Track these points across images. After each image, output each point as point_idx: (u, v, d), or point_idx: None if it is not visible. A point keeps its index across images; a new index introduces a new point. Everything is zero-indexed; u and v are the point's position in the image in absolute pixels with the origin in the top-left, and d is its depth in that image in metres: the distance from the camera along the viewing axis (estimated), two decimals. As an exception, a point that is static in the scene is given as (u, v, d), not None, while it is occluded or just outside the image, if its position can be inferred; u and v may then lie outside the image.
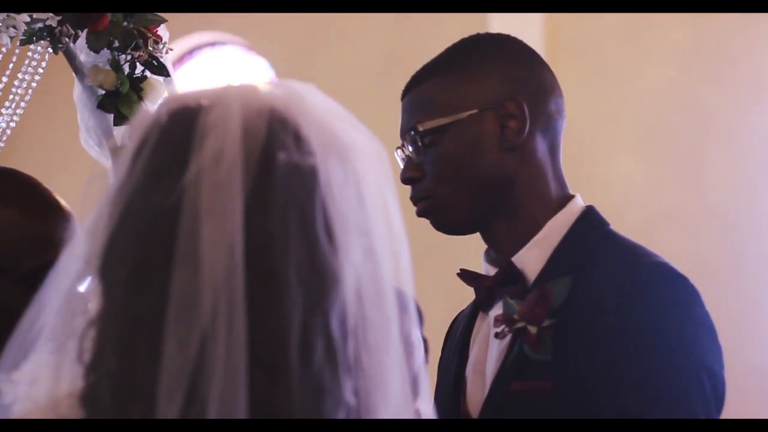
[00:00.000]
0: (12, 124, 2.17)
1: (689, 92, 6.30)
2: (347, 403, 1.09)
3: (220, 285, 1.04)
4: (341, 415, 1.09)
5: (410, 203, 1.89)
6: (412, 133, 1.87)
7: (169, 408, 1.03)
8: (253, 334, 1.05)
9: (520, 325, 1.77)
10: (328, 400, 1.08)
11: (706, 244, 6.16)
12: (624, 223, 5.70)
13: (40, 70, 2.25)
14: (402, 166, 1.91)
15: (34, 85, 2.24)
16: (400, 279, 1.18)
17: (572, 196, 1.89)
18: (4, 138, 2.20)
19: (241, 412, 1.03)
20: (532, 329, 1.75)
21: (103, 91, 2.35)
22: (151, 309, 1.06)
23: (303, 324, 1.07)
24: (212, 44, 7.64)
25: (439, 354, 2.02)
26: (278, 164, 1.09)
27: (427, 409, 1.26)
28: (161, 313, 1.05)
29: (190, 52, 7.67)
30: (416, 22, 6.27)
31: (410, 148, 1.88)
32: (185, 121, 1.11)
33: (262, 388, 1.05)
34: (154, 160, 1.11)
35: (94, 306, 1.12)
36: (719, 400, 1.74)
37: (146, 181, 1.10)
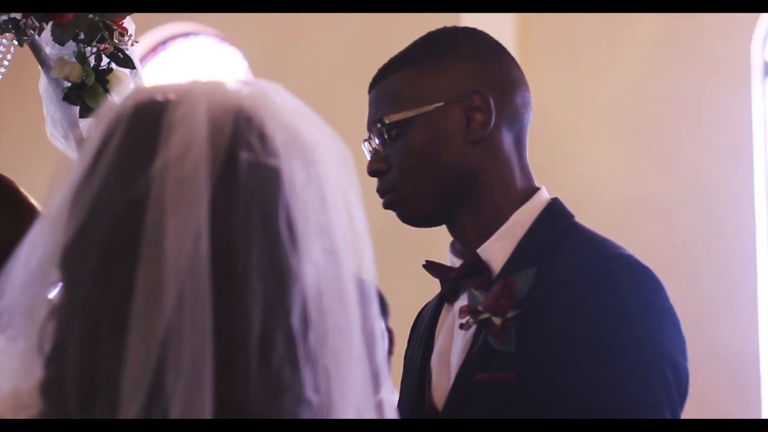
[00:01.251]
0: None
1: (663, 81, 6.32)
2: (308, 400, 1.09)
3: (184, 278, 1.04)
4: (303, 412, 1.09)
5: (378, 197, 1.90)
6: (379, 125, 1.88)
7: (132, 401, 1.03)
8: (216, 329, 1.05)
9: (485, 316, 1.77)
10: (287, 397, 1.08)
11: (681, 232, 6.18)
12: (600, 211, 5.76)
13: (5, 63, 2.23)
14: (368, 159, 1.91)
15: (-1, 77, 2.22)
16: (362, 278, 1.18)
17: (538, 189, 1.91)
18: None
19: (207, 407, 1.03)
20: (497, 320, 1.76)
21: (69, 84, 2.34)
22: (116, 301, 1.05)
23: (263, 321, 1.07)
24: (185, 35, 7.63)
25: (405, 346, 2.02)
26: (243, 162, 1.09)
27: (389, 398, 1.26)
28: (125, 305, 1.05)
29: (163, 43, 7.65)
30: (389, 17, 6.26)
31: (376, 141, 1.89)
32: (152, 116, 1.11)
33: (220, 384, 1.05)
34: (121, 154, 1.10)
35: (55, 296, 1.11)
36: (682, 391, 1.75)
37: (112, 175, 1.10)
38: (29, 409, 1.10)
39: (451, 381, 1.83)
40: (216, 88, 1.14)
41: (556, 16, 6.35)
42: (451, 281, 1.88)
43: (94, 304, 1.07)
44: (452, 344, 1.86)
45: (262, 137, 1.11)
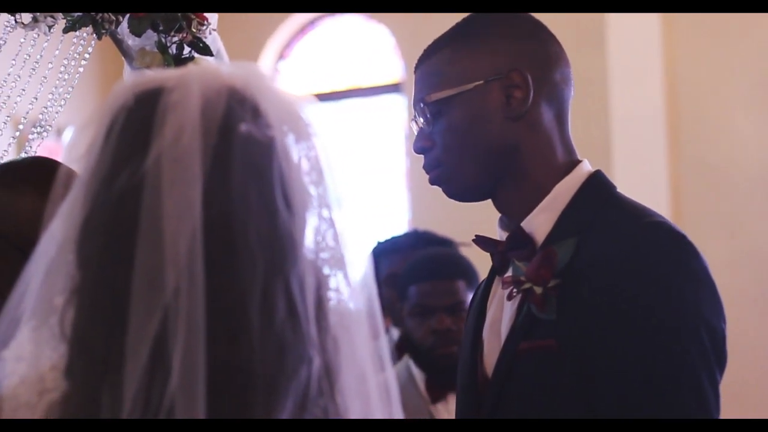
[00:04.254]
0: (60, 110, 2.25)
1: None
2: (310, 358, 1.16)
3: (181, 253, 1.11)
4: (303, 369, 1.16)
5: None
6: (422, 104, 1.95)
7: (134, 367, 1.10)
8: (215, 297, 1.12)
9: (527, 286, 1.84)
10: (290, 355, 1.15)
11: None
12: (740, 178, 5.63)
13: (86, 56, 2.32)
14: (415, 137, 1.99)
15: (80, 70, 2.32)
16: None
17: (579, 161, 1.96)
18: (52, 122, 2.29)
19: (201, 369, 1.10)
20: (538, 290, 1.82)
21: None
22: (121, 281, 1.13)
23: (264, 285, 1.14)
24: (332, 14, 7.72)
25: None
26: (236, 136, 1.16)
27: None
28: (129, 284, 1.12)
29: (312, 23, 7.76)
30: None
31: (421, 120, 1.96)
32: (148, 103, 1.18)
33: (223, 346, 1.11)
34: (121, 141, 1.18)
35: (71, 283, 1.18)
36: (720, 354, 1.78)
37: (114, 162, 1.17)
38: (53, 392, 1.18)
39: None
40: (209, 72, 1.21)
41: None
42: (499, 254, 1.94)
43: (102, 285, 1.15)
44: (502, 314, 1.93)
45: (255, 113, 1.18)
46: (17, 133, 2.38)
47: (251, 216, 1.14)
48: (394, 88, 7.52)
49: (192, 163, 1.13)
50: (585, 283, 1.79)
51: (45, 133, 2.29)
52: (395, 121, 7.43)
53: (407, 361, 3.47)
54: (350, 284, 1.22)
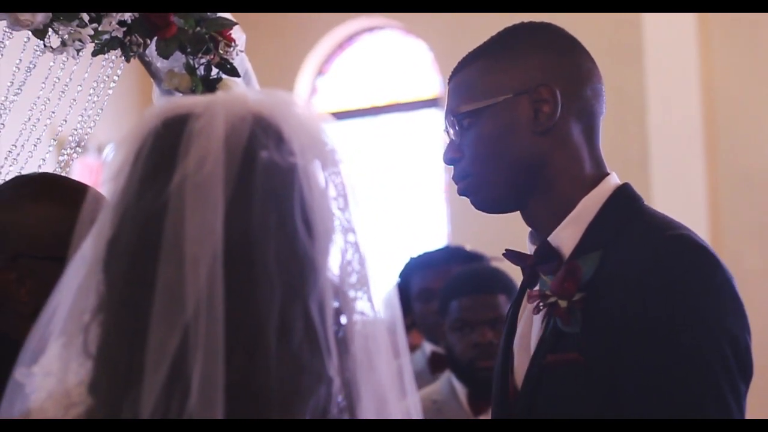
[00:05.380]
0: (89, 130, 2.30)
1: None
2: (330, 378, 1.19)
3: (201, 275, 1.14)
4: (322, 389, 1.18)
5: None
6: (452, 116, 1.98)
7: (153, 383, 1.13)
8: (233, 318, 1.14)
9: (552, 299, 1.86)
10: (307, 375, 1.17)
11: None
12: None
13: (116, 78, 2.37)
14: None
15: (110, 92, 2.36)
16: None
17: (607, 174, 1.96)
18: (82, 144, 2.33)
19: (219, 387, 1.13)
20: (563, 303, 1.84)
21: (180, 94, 2.47)
22: (143, 300, 1.16)
23: (282, 307, 1.16)
24: (370, 29, 7.76)
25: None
26: (258, 163, 1.18)
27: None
28: (151, 303, 1.15)
29: (350, 39, 7.80)
30: (573, 17, 6.21)
31: (451, 131, 1.99)
32: (175, 129, 1.21)
33: (240, 367, 1.14)
34: (148, 165, 1.21)
35: (98, 299, 1.22)
36: (744, 366, 1.78)
37: (140, 185, 1.21)
38: (78, 406, 1.22)
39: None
40: (236, 99, 1.24)
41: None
42: (528, 268, 1.96)
43: (127, 304, 1.18)
44: (531, 328, 1.95)
45: (279, 140, 1.20)
46: (49, 150, 2.42)
47: (270, 240, 1.17)
48: (432, 102, 7.55)
49: (214, 188, 1.16)
50: (608, 297, 1.80)
51: (75, 154, 2.34)
52: (433, 136, 7.46)
53: (449, 375, 3.49)
54: (375, 307, 1.24)
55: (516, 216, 2.01)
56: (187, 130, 1.19)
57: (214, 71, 2.52)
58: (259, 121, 1.21)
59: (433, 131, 7.48)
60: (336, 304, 1.21)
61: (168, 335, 1.13)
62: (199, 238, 1.15)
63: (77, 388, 1.22)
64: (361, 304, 1.23)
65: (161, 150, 1.20)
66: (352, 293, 1.23)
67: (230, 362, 1.13)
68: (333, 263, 1.21)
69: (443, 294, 3.51)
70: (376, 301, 1.24)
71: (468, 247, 4.14)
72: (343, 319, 1.22)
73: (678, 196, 6.16)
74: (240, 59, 2.54)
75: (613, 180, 1.96)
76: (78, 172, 5.37)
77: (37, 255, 1.81)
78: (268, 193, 1.18)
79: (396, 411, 1.25)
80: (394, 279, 4.10)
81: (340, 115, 7.78)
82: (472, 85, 1.98)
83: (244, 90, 2.19)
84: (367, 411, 1.22)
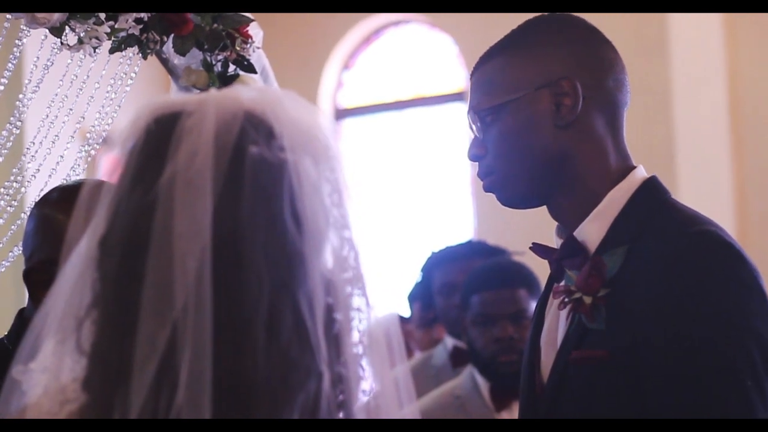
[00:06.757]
0: (107, 127, 2.31)
1: None
2: (320, 373, 1.18)
3: (190, 271, 1.15)
4: (311, 384, 1.18)
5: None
6: (474, 112, 1.97)
7: (142, 379, 1.14)
8: (221, 313, 1.15)
9: (577, 295, 1.84)
10: (296, 371, 1.17)
11: None
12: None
13: (133, 75, 2.38)
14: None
15: (127, 88, 2.37)
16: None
17: (634, 167, 1.94)
18: (107, 139, 2.34)
19: (207, 382, 1.13)
20: (587, 299, 1.82)
21: (197, 91, 2.48)
22: (133, 296, 1.16)
23: (270, 302, 1.16)
24: (396, 23, 7.76)
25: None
26: (247, 159, 1.19)
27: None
28: (140, 299, 1.16)
29: (376, 33, 7.81)
30: (597, 17, 6.20)
31: (474, 127, 1.98)
32: (166, 126, 1.22)
33: (228, 361, 1.15)
34: (139, 162, 1.22)
35: (91, 295, 1.23)
36: None
37: (132, 182, 1.21)
38: (73, 403, 1.22)
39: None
40: (228, 97, 1.24)
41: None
42: (555, 262, 1.94)
43: (118, 299, 1.19)
44: (558, 323, 1.93)
45: (270, 136, 1.20)
46: (67, 147, 2.44)
47: (259, 235, 1.17)
48: (457, 96, 7.55)
49: (203, 185, 1.17)
50: (633, 293, 1.78)
51: (93, 151, 2.35)
52: (459, 130, 7.45)
53: (471, 370, 3.49)
54: (371, 303, 1.24)
55: (543, 210, 1.99)
56: (178, 127, 1.20)
57: (231, 68, 2.52)
58: (250, 118, 1.21)
59: (458, 125, 7.47)
60: (330, 300, 1.21)
61: (157, 330, 1.14)
62: (187, 234, 1.15)
63: (72, 384, 1.22)
64: (357, 301, 1.23)
65: (152, 147, 1.21)
66: (347, 289, 1.22)
67: (218, 356, 1.14)
68: (327, 259, 1.21)
69: (464, 288, 3.50)
70: (372, 296, 1.24)
71: (490, 241, 4.13)
72: (339, 315, 1.21)
73: (704, 189, 6.14)
74: (257, 56, 2.54)
75: (640, 173, 1.93)
76: (104, 168, 5.40)
77: None
78: (257, 188, 1.18)
79: (395, 405, 1.25)
80: (417, 274, 4.10)
81: (365, 110, 7.80)
82: (493, 81, 1.96)
83: (252, 87, 2.19)
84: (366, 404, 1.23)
